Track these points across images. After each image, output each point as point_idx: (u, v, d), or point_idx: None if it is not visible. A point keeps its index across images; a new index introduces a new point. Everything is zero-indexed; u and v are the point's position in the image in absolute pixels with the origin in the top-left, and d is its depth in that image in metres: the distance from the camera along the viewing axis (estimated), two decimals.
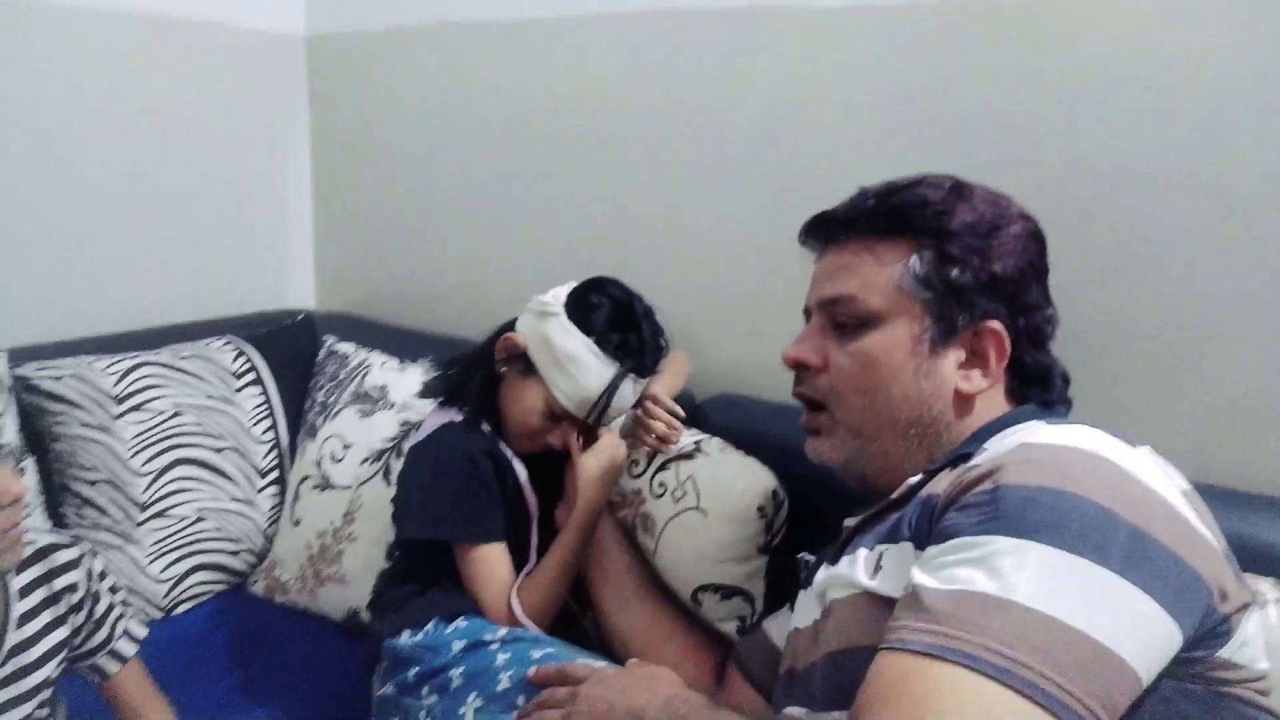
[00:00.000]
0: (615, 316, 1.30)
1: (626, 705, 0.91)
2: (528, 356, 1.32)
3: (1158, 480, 0.79)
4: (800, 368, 1.04)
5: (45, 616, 1.03)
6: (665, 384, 1.43)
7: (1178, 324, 1.28)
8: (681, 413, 1.39)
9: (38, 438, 1.61)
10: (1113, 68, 1.27)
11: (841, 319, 1.00)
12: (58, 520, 1.62)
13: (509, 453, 1.36)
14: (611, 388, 1.29)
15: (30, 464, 1.57)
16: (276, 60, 2.16)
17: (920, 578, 0.75)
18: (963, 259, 0.95)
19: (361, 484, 1.68)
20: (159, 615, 1.65)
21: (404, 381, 1.76)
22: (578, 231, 1.86)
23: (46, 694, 1.04)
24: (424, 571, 1.34)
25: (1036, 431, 0.84)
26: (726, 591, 1.32)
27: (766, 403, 1.49)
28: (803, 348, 1.04)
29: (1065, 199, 1.30)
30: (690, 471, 1.35)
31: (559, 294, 1.33)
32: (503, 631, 1.21)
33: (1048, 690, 0.66)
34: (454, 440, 1.35)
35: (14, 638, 1.00)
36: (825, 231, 1.05)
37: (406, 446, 1.47)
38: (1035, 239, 1.00)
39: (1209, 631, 0.74)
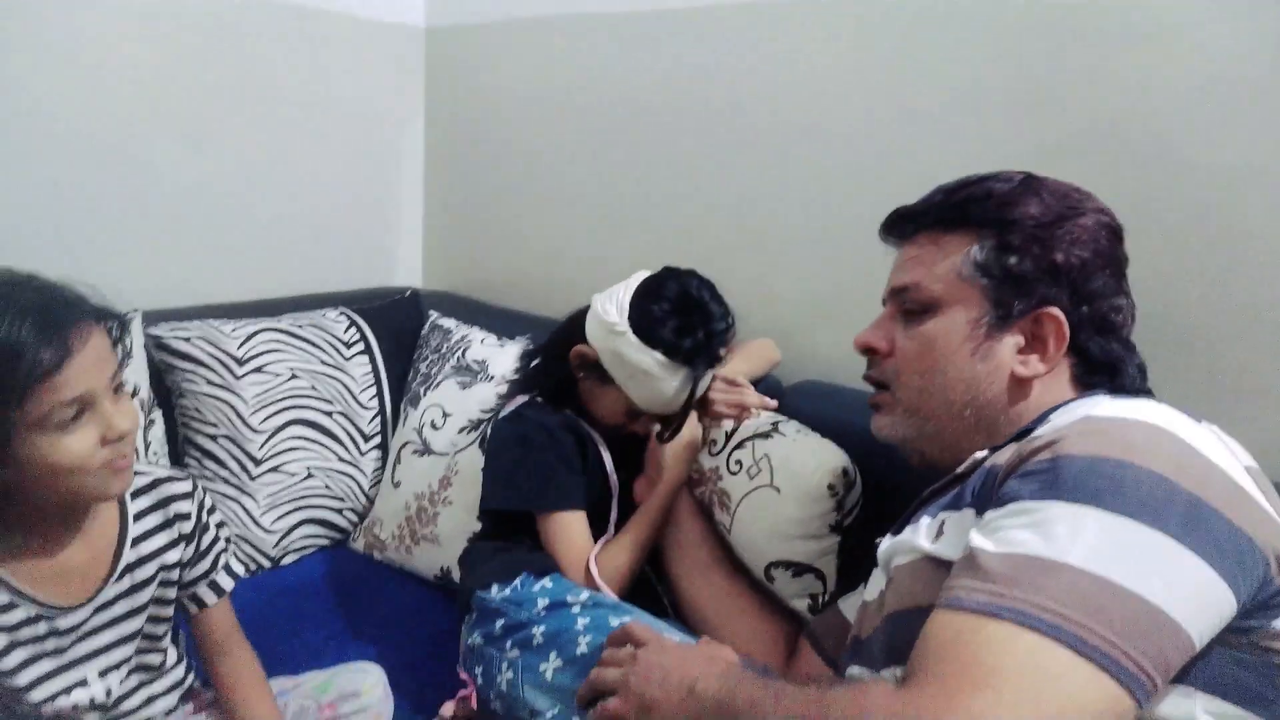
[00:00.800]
0: (680, 323, 1.31)
1: (681, 674, 0.93)
2: (602, 366, 1.36)
3: (1219, 454, 0.80)
4: (870, 352, 1.11)
5: (159, 539, 1.13)
6: (741, 368, 1.48)
7: (1270, 319, 1.26)
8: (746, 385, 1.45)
9: (166, 393, 1.74)
10: (1204, 64, 1.27)
11: (908, 306, 1.05)
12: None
13: (593, 431, 1.42)
14: (689, 389, 1.34)
15: (159, 416, 1.69)
16: (396, 49, 2.27)
17: (978, 540, 0.78)
18: (1022, 247, 0.98)
19: (458, 451, 1.76)
20: (268, 565, 1.76)
21: (502, 356, 1.83)
22: (672, 223, 1.91)
23: (161, 611, 1.14)
24: (510, 535, 1.40)
25: (1099, 405, 0.87)
26: (798, 569, 1.35)
27: (851, 390, 1.50)
28: (872, 334, 1.10)
29: (1157, 195, 1.30)
30: (765, 450, 1.38)
31: (622, 302, 1.34)
32: (584, 595, 1.26)
33: (1099, 646, 0.68)
34: (535, 415, 1.41)
35: (130, 555, 1.10)
36: (900, 226, 1.10)
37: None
38: (1108, 230, 1.01)
39: (1265, 601, 0.75)
